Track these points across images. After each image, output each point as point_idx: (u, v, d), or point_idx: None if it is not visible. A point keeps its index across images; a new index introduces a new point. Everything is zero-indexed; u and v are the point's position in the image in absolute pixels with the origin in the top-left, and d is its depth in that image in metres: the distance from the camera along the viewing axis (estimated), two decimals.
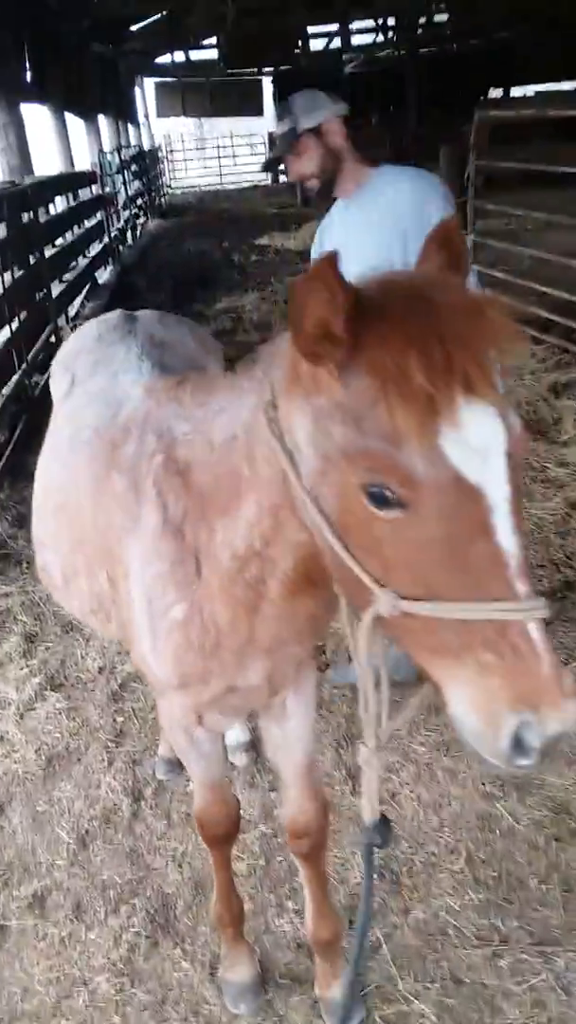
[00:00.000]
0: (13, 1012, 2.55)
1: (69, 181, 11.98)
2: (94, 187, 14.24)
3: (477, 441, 1.22)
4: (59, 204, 11.51)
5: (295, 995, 2.49)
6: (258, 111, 30.56)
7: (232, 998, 2.47)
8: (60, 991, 2.58)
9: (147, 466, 1.83)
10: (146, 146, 26.82)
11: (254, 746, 3.34)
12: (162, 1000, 2.52)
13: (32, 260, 8.37)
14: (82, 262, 11.62)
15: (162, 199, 25.93)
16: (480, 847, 2.92)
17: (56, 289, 9.34)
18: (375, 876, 2.69)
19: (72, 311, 10.91)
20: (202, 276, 12.97)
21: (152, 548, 1.79)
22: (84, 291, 11.62)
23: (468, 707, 1.24)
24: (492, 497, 1.23)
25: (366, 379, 1.25)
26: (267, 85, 29.82)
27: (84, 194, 13.49)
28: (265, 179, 30.55)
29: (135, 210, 19.08)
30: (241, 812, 2.36)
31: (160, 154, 28.37)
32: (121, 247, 15.88)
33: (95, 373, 2.40)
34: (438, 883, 2.80)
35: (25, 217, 8.17)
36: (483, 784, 3.17)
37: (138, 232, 18.72)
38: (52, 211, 10.61)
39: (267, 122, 27.09)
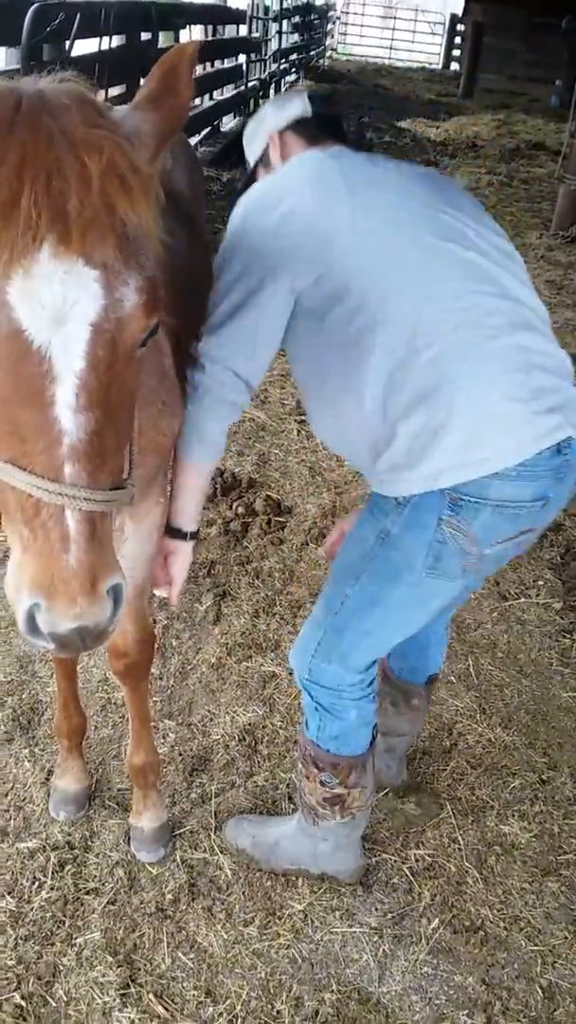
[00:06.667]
0: None
1: (209, 13, 11.42)
2: (242, 28, 13.60)
3: (50, 299, 1.14)
4: (197, 35, 11.04)
5: (115, 819, 2.57)
6: None
7: (55, 804, 2.56)
8: None
9: None
10: (318, 1, 25.41)
11: None
12: None
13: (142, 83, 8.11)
14: (205, 103, 11.23)
15: (322, 61, 24.72)
16: None
17: None
18: None
19: None
20: None
21: None
22: (202, 133, 11.28)
23: (9, 574, 1.27)
24: (57, 365, 1.16)
25: None
26: None
27: (229, 34, 12.91)
28: (435, 63, 28.84)
29: (285, 65, 18.25)
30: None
31: (332, 14, 26.87)
32: (261, 100, 15.29)
33: None
34: (292, 759, 2.82)
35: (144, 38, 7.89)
36: None
37: (283, 88, 17.95)
38: (183, 38, 10.19)
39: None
